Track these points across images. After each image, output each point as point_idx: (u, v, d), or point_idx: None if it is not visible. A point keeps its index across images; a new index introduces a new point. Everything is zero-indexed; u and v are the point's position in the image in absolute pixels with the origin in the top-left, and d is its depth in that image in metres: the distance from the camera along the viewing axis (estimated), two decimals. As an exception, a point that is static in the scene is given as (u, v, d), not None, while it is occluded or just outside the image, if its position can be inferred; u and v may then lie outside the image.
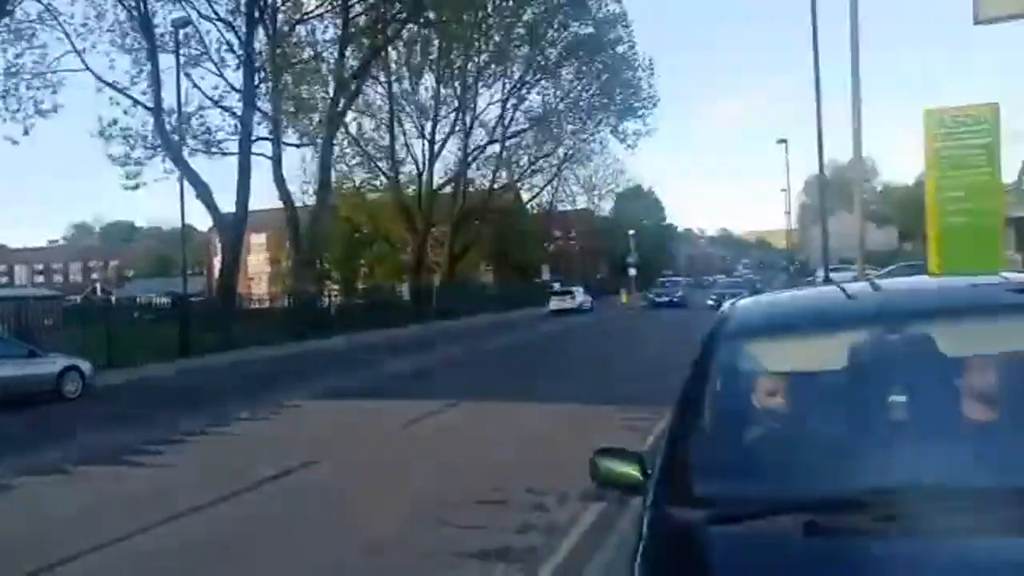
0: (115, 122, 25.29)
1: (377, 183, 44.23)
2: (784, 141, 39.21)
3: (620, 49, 41.73)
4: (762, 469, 2.41)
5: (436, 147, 42.52)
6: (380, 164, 42.68)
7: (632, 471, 2.50)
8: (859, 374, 2.59)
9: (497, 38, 39.77)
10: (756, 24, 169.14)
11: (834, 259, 28.56)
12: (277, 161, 29.00)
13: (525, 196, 55.08)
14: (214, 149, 28.48)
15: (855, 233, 18.08)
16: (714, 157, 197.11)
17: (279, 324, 26.90)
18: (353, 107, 36.15)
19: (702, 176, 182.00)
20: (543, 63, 42.17)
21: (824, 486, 2.08)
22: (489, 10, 37.72)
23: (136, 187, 26.27)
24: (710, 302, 32.92)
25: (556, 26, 40.44)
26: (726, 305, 3.28)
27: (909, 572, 1.81)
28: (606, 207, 70.52)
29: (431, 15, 33.34)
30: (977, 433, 2.27)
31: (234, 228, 26.88)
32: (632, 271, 55.42)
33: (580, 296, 42.01)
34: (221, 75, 27.81)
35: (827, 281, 20.73)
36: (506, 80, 42.71)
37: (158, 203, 77.88)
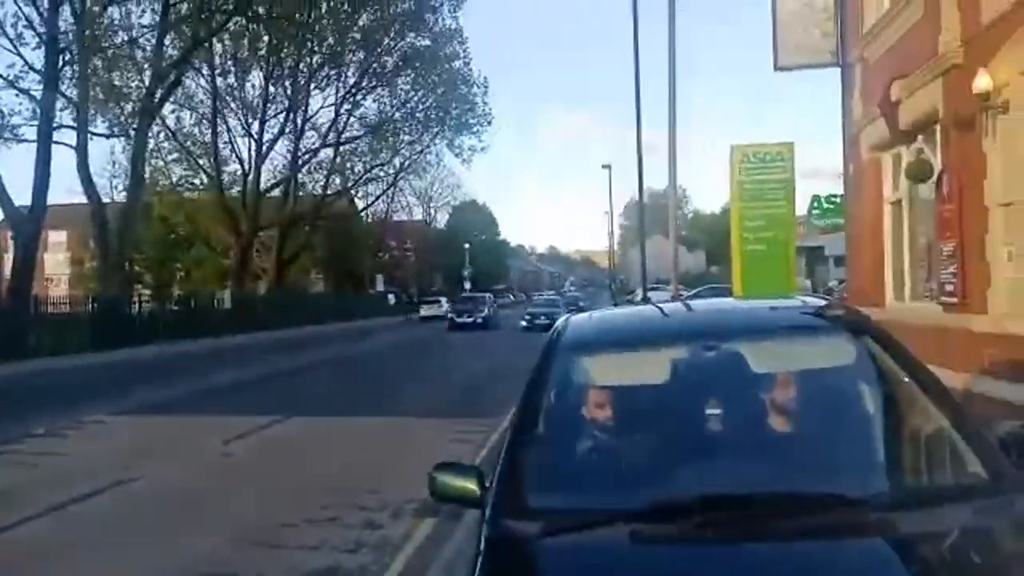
0: None
1: (197, 181, 41.60)
2: (608, 167, 41.41)
3: (456, 64, 42.20)
4: (592, 480, 2.53)
5: (264, 147, 40.72)
6: (200, 161, 40.16)
7: (470, 485, 2.53)
8: (679, 388, 2.79)
9: (331, 40, 38.84)
10: (588, 52, 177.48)
11: (651, 279, 30.47)
12: (82, 151, 26.48)
13: (360, 204, 54.10)
14: (7, 135, 25.55)
15: (669, 256, 19.48)
16: (545, 177, 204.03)
17: (82, 331, 24.46)
18: (172, 99, 33.81)
19: (534, 194, 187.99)
20: (379, 70, 41.71)
21: (647, 495, 2.21)
22: (323, 11, 36.78)
23: (-88, 171, 22.93)
24: (523, 323, 32.33)
25: (393, 34, 40.17)
26: (560, 322, 3.42)
27: (727, 574, 1.96)
28: (442, 219, 71.06)
29: (260, 10, 32.00)
30: (780, 443, 2.52)
31: (30, 223, 24.16)
32: (467, 284, 56.09)
33: (446, 305, 46.33)
34: (18, 53, 25.06)
35: (646, 300, 22.13)
36: (340, 84, 41.81)
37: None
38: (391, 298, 53.43)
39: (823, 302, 3.42)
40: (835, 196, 28.16)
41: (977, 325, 7.51)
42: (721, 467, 2.40)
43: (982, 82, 7.02)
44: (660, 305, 4.34)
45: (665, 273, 20.16)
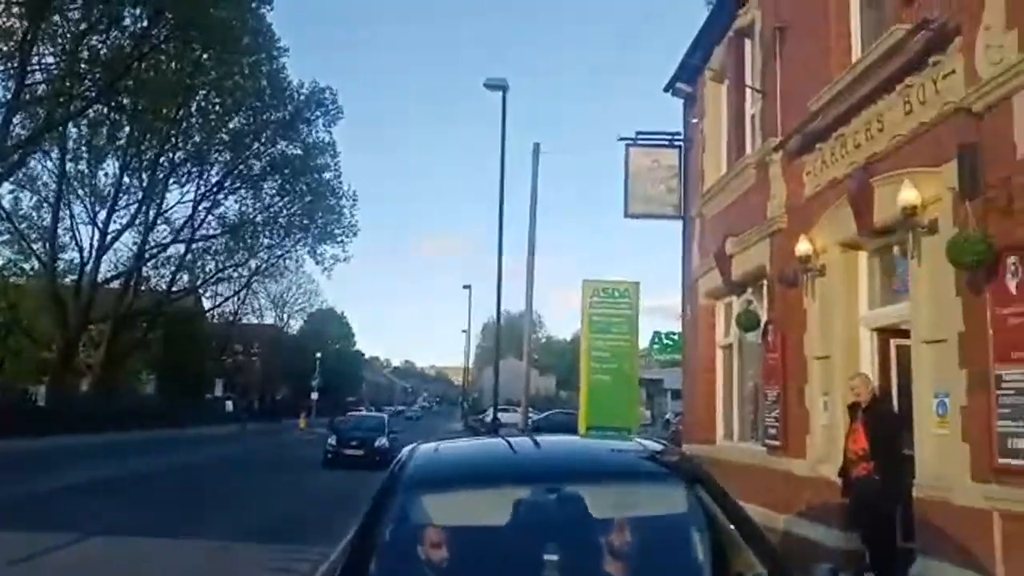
0: None
1: (27, 267, 38.24)
2: (468, 287, 42.46)
3: (327, 175, 42.28)
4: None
5: (108, 237, 38.28)
6: (35, 246, 37.13)
7: None
8: (519, 531, 2.77)
9: (198, 139, 38.03)
10: (460, 178, 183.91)
11: (503, 399, 30.64)
12: None
13: (207, 304, 51.41)
14: None
15: (522, 378, 19.78)
16: (408, 292, 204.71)
17: None
18: (11, 179, 31.46)
19: (394, 308, 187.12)
20: (245, 172, 41.00)
21: None
22: (193, 109, 36.17)
23: None
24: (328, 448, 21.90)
25: (264, 140, 39.93)
26: (404, 451, 3.34)
27: None
28: (295, 325, 68.73)
29: (125, 101, 31.01)
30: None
31: None
32: (315, 395, 53.76)
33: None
34: None
35: (496, 420, 22.14)
36: (202, 182, 40.60)
37: None
38: (229, 405, 50.24)
39: (660, 447, 3.57)
40: (674, 333, 30.05)
41: (796, 468, 8.06)
42: None
43: (803, 247, 7.90)
44: (508, 440, 4.36)
45: (517, 395, 20.38)
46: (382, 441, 21.73)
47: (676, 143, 12.76)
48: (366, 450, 21.12)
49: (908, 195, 5.91)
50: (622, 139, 12.83)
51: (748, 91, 10.14)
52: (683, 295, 12.73)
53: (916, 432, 6.20)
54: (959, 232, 5.39)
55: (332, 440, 22.54)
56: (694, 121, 12.29)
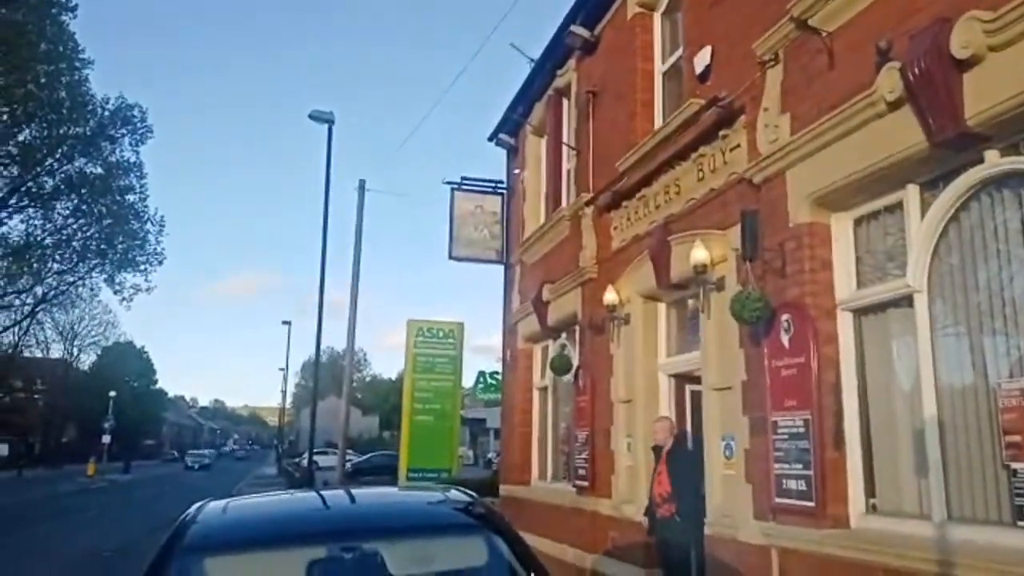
0: None
1: None
2: (288, 323, 40.74)
3: (131, 198, 39.02)
4: None
5: None
6: None
7: None
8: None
9: (-20, 150, 33.91)
10: (284, 214, 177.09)
11: (324, 440, 29.46)
12: None
13: (-20, 334, 45.41)
14: None
15: (340, 417, 19.17)
16: (220, 327, 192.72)
17: None
18: None
19: (203, 344, 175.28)
20: (35, 190, 36.96)
21: None
22: (-25, 115, 32.28)
23: None
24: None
25: (59, 156, 36.30)
26: (191, 510, 3.10)
27: None
28: (87, 360, 62.39)
29: None
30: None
31: None
32: (107, 438, 48.63)
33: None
34: None
35: (311, 464, 21.19)
36: (-17, 198, 36.11)
37: None
38: (3, 449, 44.44)
39: (465, 498, 3.57)
40: (498, 373, 30.51)
41: (603, 508, 8.38)
42: None
43: (609, 296, 8.35)
44: (309, 492, 4.17)
45: (339, 436, 19.71)
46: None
47: (499, 191, 13.15)
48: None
49: (699, 254, 6.44)
50: (448, 183, 13.04)
51: (564, 147, 10.67)
52: (503, 338, 13.00)
53: (707, 473, 6.66)
54: (741, 290, 5.93)
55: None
56: (516, 171, 12.74)
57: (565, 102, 10.83)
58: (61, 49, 31.22)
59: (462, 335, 16.17)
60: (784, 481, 5.48)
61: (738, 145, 6.49)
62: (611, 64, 9.25)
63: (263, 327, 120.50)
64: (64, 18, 30.26)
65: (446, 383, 15.90)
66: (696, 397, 7.45)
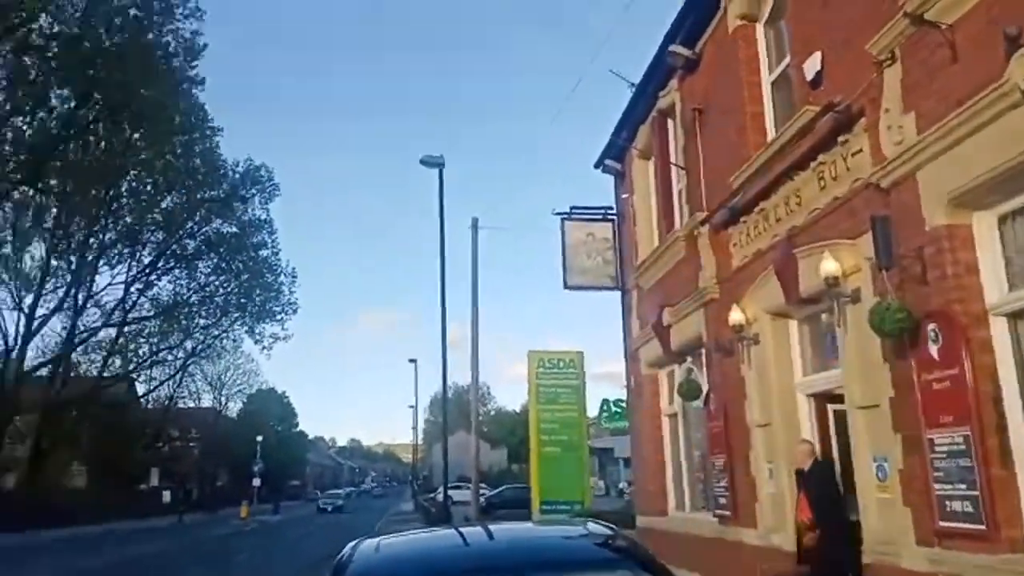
0: None
1: (-53, 358, 36.29)
2: (414, 361, 41.95)
3: (264, 253, 41.72)
4: None
5: (35, 323, 36.77)
6: (-45, 334, 35.43)
7: None
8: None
9: (129, 219, 37.24)
10: (402, 254, 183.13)
11: (455, 475, 29.99)
12: None
13: (141, 389, 49.44)
14: None
15: (470, 451, 19.46)
16: (351, 369, 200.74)
17: None
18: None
19: (338, 385, 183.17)
20: (179, 252, 40.15)
21: None
22: (124, 191, 35.58)
23: None
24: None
25: (198, 219, 39.35)
26: (346, 550, 3.22)
27: None
28: (234, 408, 66.56)
29: (52, 182, 30.32)
30: None
31: None
32: (257, 481, 51.50)
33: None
34: None
35: (446, 499, 21.61)
36: (134, 263, 39.55)
37: None
38: (166, 496, 47.84)
39: (607, 531, 3.53)
40: (622, 401, 30.14)
41: (748, 538, 8.04)
42: None
43: (735, 316, 8.09)
44: (454, 530, 4.24)
45: (469, 470, 20.03)
46: None
47: (609, 217, 13.10)
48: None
49: (829, 266, 6.15)
50: (557, 214, 13.13)
51: (673, 167, 10.52)
52: (626, 365, 12.83)
53: (860, 497, 6.28)
54: (879, 301, 5.60)
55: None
56: (624, 196, 12.65)
57: (670, 122, 10.70)
58: (193, 120, 33.96)
59: (583, 364, 16.09)
60: (947, 503, 5.08)
61: (860, 150, 6.19)
62: (715, 80, 9.08)
63: (391, 365, 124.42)
64: (194, 91, 32.95)
65: (571, 413, 15.84)
66: (840, 416, 7.05)
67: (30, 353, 37.34)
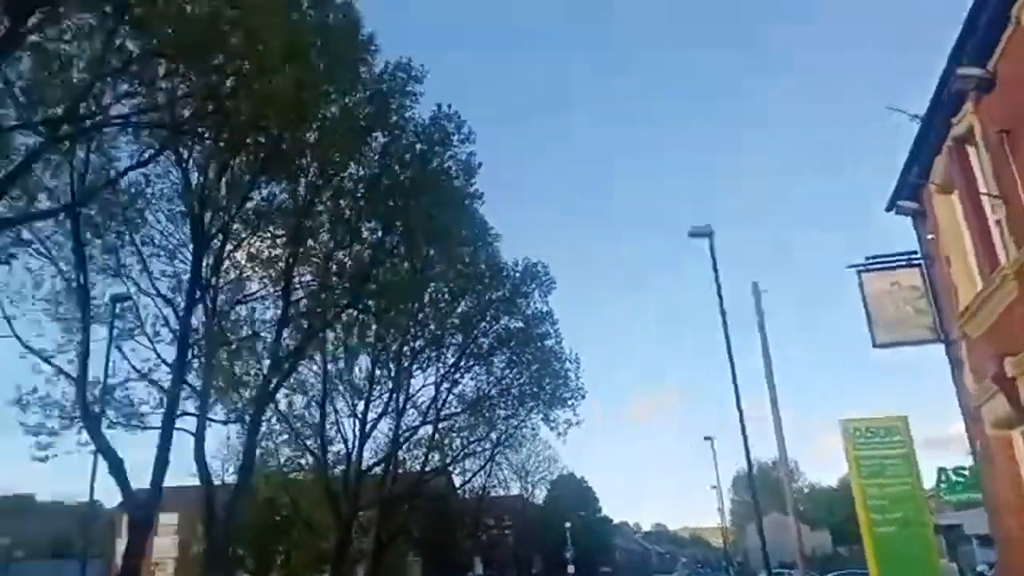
0: (35, 390, 24.29)
1: (303, 461, 42.62)
2: (710, 438, 40.25)
3: (548, 343, 43.71)
4: None
5: (368, 426, 41.93)
6: (308, 442, 41.52)
7: None
8: None
9: (432, 326, 41.47)
10: (660, 329, 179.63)
11: (772, 560, 27.78)
12: (200, 438, 27.82)
13: (457, 481, 53.47)
14: (135, 422, 27.33)
15: (790, 534, 17.87)
16: (644, 450, 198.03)
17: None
18: (285, 384, 35.98)
19: (633, 469, 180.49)
20: (476, 351, 43.56)
21: None
22: (426, 302, 39.87)
23: (46, 459, 24.48)
24: None
25: (488, 318, 42.63)
26: None
27: None
28: (540, 495, 69.03)
29: (370, 303, 34.93)
30: None
31: (145, 507, 24.82)
32: (571, 568, 51.96)
33: None
34: (154, 349, 27.63)
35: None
36: (440, 365, 43.69)
37: (62, 475, 72.33)
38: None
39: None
40: (963, 468, 25.99)
41: None
42: None
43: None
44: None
45: (788, 555, 18.39)
46: None
47: (914, 262, 11.70)
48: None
49: None
50: (852, 266, 12.04)
51: (985, 199, 9.20)
52: (966, 427, 11.09)
53: None
54: None
55: None
56: (929, 236, 11.26)
57: (970, 149, 9.46)
58: (476, 231, 37.49)
59: (908, 429, 14.18)
60: None
61: None
62: (1020, 95, 7.92)
63: (677, 446, 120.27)
64: (475, 205, 36.45)
65: (902, 487, 13.90)
66: None
67: (366, 454, 42.56)
